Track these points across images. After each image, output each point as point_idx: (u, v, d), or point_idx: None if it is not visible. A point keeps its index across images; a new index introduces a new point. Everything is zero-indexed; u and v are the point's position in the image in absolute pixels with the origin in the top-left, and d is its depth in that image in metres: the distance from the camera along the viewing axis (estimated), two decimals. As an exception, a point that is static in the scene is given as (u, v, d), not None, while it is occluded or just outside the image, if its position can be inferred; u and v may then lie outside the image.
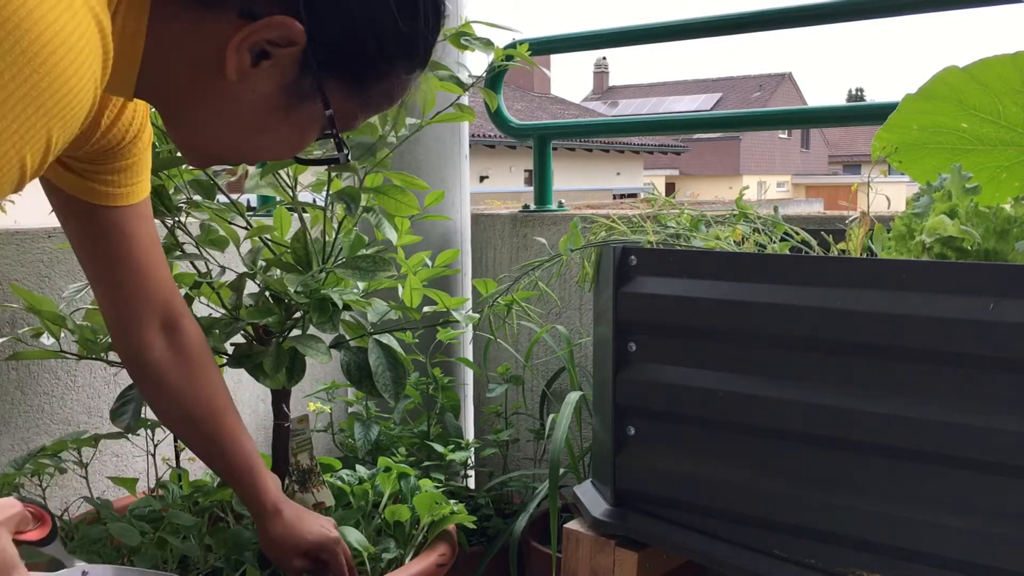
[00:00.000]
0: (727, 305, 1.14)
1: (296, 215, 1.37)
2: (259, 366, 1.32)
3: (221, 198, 1.39)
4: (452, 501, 1.44)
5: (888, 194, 1.33)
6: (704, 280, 1.17)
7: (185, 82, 0.81)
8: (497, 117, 2.22)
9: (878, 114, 1.62)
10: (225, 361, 1.36)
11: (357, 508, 1.45)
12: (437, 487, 1.48)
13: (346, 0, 0.79)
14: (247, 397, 1.92)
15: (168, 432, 1.51)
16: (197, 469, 1.57)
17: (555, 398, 1.98)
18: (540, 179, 2.24)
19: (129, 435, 1.37)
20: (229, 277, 1.40)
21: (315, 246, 1.34)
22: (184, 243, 1.37)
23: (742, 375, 1.13)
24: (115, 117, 0.94)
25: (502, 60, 1.43)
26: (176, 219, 1.35)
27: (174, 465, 1.54)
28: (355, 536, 1.33)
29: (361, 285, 1.40)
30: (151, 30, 0.77)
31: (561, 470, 1.53)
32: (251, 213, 1.91)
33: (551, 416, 1.73)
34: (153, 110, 0.98)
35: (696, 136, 28.84)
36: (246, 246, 1.41)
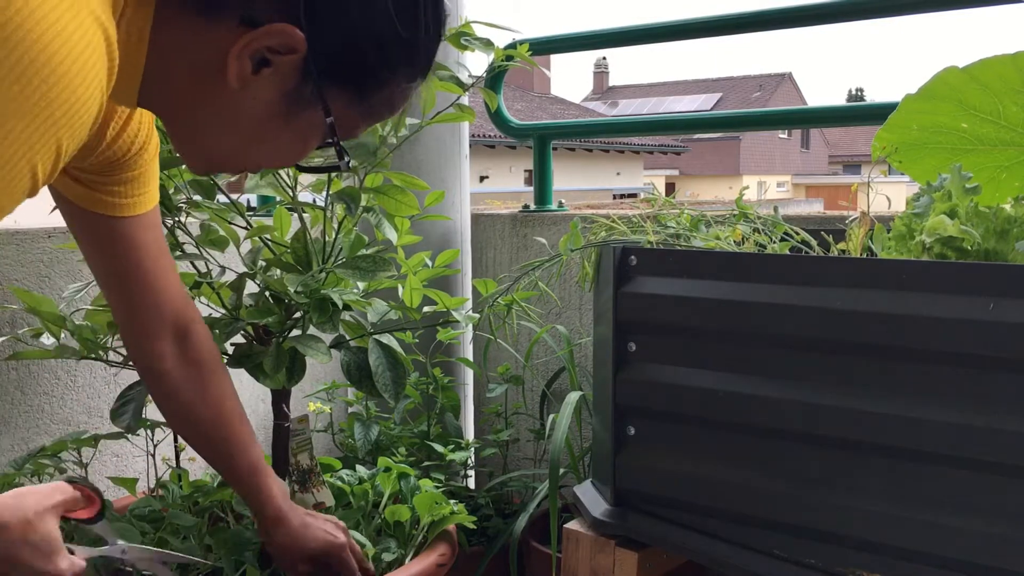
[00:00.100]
0: (727, 305, 1.14)
1: (296, 215, 1.37)
2: (259, 366, 1.32)
3: (221, 198, 1.39)
4: (452, 501, 1.44)
5: (888, 194, 1.33)
6: (704, 280, 1.17)
7: (187, 89, 0.81)
8: (497, 117, 2.22)
9: (878, 114, 1.62)
10: (225, 361, 1.36)
11: (357, 508, 1.45)
12: (437, 487, 1.48)
13: (347, 8, 0.79)
14: (247, 397, 1.91)
15: (168, 432, 1.51)
16: (197, 469, 1.57)
17: (555, 398, 1.98)
18: (540, 179, 2.24)
19: (129, 435, 1.37)
20: (229, 277, 1.40)
21: (315, 246, 1.34)
22: (184, 243, 1.37)
23: (742, 375, 1.13)
24: (120, 129, 0.94)
25: (502, 60, 1.43)
26: (176, 219, 1.35)
27: (174, 465, 1.54)
28: (356, 536, 1.33)
29: (361, 285, 1.40)
30: (154, 38, 0.78)
31: (561, 470, 1.53)
32: (251, 213, 1.91)
33: (551, 416, 1.73)
34: None
35: (696, 136, 28.85)
36: (246, 246, 1.41)
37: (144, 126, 0.98)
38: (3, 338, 1.49)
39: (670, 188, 29.44)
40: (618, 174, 25.15)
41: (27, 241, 1.57)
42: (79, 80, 0.66)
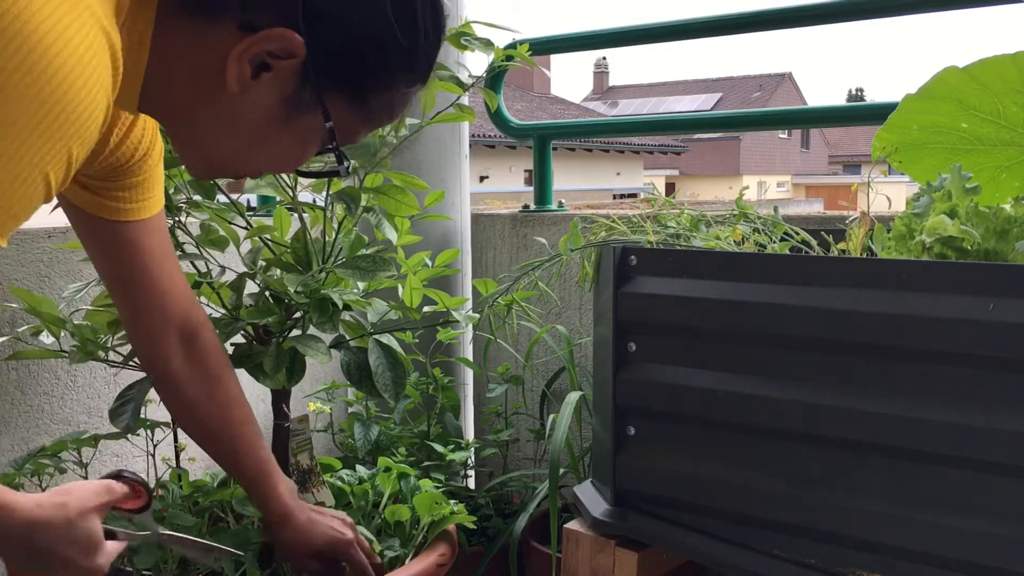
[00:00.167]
0: (727, 305, 1.14)
1: (296, 215, 1.37)
2: (259, 366, 1.32)
3: (221, 198, 1.39)
4: (452, 501, 1.44)
5: (888, 194, 1.33)
6: (704, 280, 1.17)
7: (188, 94, 0.82)
8: (497, 117, 2.22)
9: (878, 114, 1.62)
10: (225, 361, 1.36)
11: (357, 508, 1.45)
12: (437, 487, 1.48)
13: (346, 13, 0.79)
14: (247, 397, 1.91)
15: (168, 432, 1.51)
16: (197, 469, 1.57)
17: (555, 398, 1.98)
18: (540, 179, 2.24)
19: (129, 435, 1.37)
20: (229, 277, 1.40)
21: (315, 246, 1.34)
22: (184, 243, 1.37)
23: (742, 375, 1.13)
24: (124, 135, 0.95)
25: (502, 60, 1.43)
26: (176, 219, 1.36)
27: (174, 465, 1.54)
28: (362, 531, 1.33)
29: (361, 285, 1.40)
30: (155, 43, 0.78)
31: (561, 470, 1.53)
32: (251, 213, 1.90)
33: (551, 416, 1.73)
34: None
35: (696, 136, 28.86)
36: (246, 246, 1.41)
37: (148, 132, 0.98)
38: (3, 338, 1.49)
39: (670, 188, 29.44)
40: (618, 174, 25.15)
41: (27, 241, 1.57)
42: (86, 88, 0.67)
